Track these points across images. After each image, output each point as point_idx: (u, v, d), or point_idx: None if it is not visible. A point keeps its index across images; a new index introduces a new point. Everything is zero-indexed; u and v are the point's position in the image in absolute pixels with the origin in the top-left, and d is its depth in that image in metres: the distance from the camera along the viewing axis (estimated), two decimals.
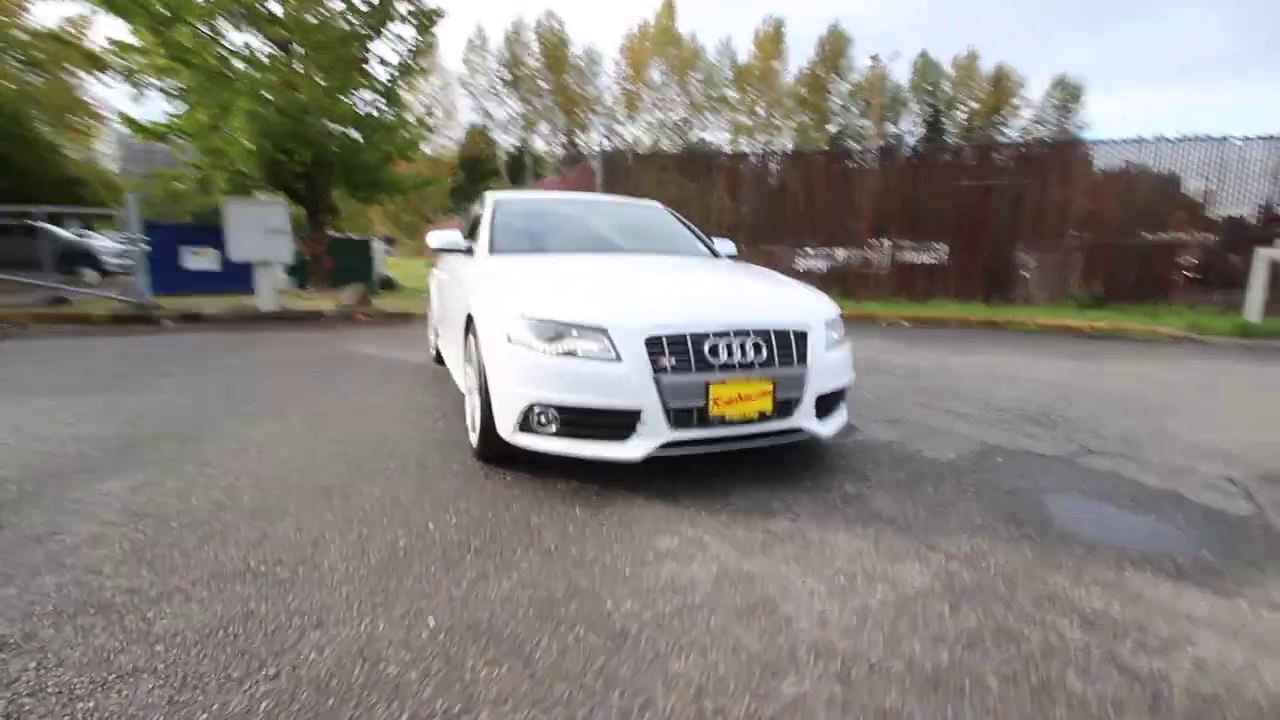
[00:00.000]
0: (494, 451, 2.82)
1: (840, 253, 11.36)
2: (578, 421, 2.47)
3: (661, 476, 2.70)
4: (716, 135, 46.83)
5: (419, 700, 1.39)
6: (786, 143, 46.22)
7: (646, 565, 2.00)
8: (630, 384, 2.41)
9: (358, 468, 2.87)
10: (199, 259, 11.71)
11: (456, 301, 3.54)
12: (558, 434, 2.50)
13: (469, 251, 3.73)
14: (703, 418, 2.49)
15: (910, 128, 48.55)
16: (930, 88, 47.82)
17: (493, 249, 3.57)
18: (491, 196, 4.20)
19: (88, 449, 3.09)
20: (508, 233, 3.72)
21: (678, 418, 2.46)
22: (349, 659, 1.53)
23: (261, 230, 8.81)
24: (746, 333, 2.58)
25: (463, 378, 3.35)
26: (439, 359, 5.41)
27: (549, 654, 1.56)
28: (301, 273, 12.22)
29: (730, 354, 2.53)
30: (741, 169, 11.56)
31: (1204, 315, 8.77)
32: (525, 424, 2.54)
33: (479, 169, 40.06)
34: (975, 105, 47.91)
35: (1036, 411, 4.02)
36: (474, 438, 3.02)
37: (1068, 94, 46.84)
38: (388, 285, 15.70)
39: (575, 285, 2.88)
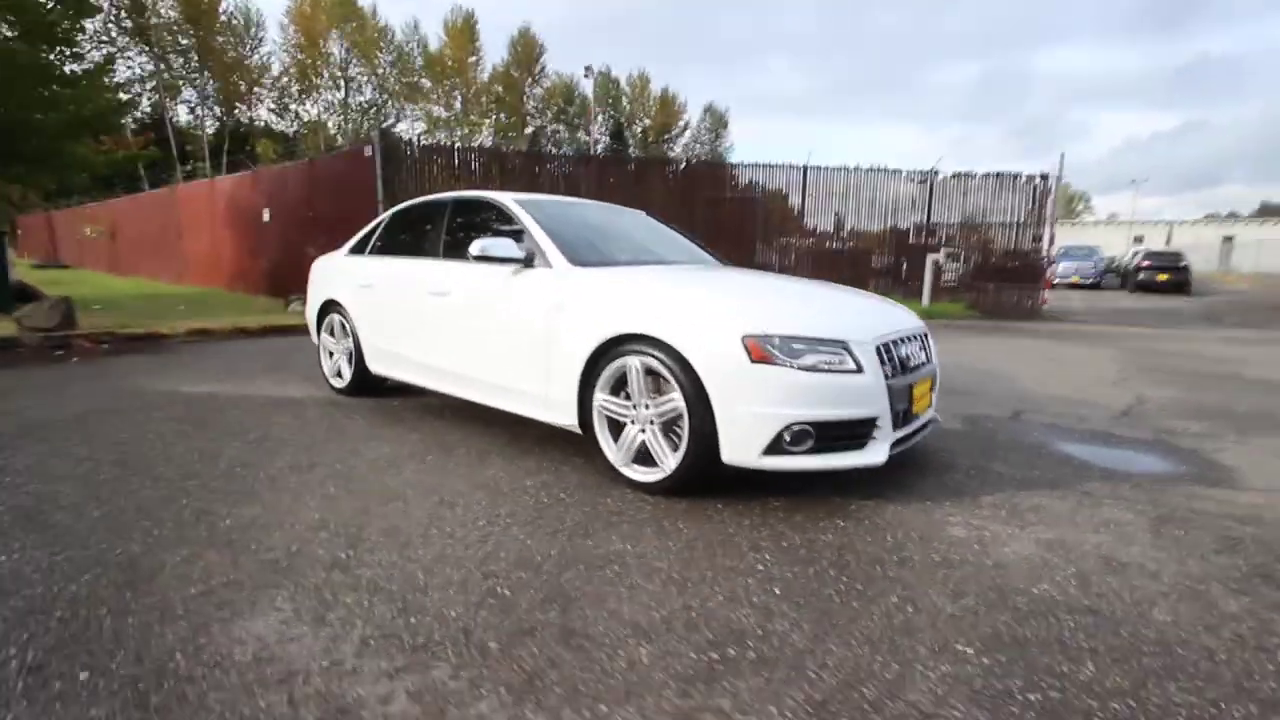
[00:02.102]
0: (697, 481, 2.66)
1: None
2: (828, 435, 2.53)
3: (835, 481, 2.89)
4: (411, 125, 44.14)
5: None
6: (486, 140, 45.96)
7: (983, 553, 2.24)
8: (872, 393, 2.57)
9: (550, 527, 2.40)
10: None
11: (540, 320, 3.08)
12: (811, 451, 2.51)
13: (526, 263, 3.25)
14: (907, 417, 2.78)
15: (598, 137, 52.64)
16: (612, 102, 52.52)
17: (574, 261, 3.19)
18: (508, 198, 3.67)
19: (86, 584, 1.93)
20: (575, 243, 3.35)
21: (894, 419, 2.70)
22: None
23: None
24: (912, 337, 2.95)
25: (585, 409, 2.95)
26: (356, 388, 4.45)
27: (1089, 641, 1.74)
28: None
29: (914, 357, 2.87)
30: (538, 170, 11.44)
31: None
32: (775, 445, 2.48)
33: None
34: (649, 122, 54.27)
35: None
36: (638, 473, 2.78)
37: (715, 120, 56.32)
38: (24, 296, 11.36)
39: (765, 299, 2.86)
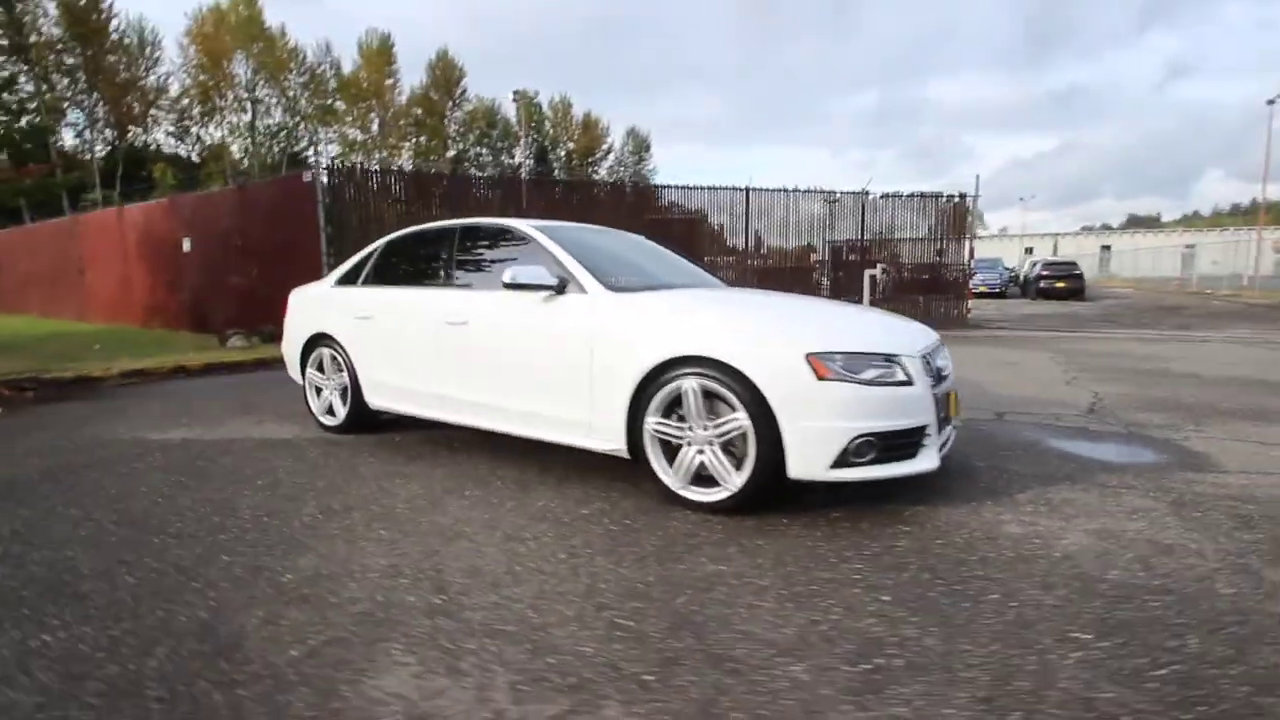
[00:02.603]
0: (759, 498, 2.72)
1: None
2: (887, 445, 2.64)
3: (873, 490, 3.02)
4: (326, 148, 42.51)
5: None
6: (406, 163, 44.84)
7: (1047, 547, 2.40)
8: (923, 403, 2.72)
9: (632, 555, 2.39)
10: None
11: (581, 346, 3.06)
12: (872, 461, 2.62)
13: (558, 290, 3.23)
14: (943, 424, 2.94)
15: (521, 160, 52.51)
16: (535, 126, 52.58)
17: (608, 286, 3.20)
18: (527, 224, 3.64)
19: (165, 657, 1.75)
20: (603, 269, 3.35)
21: (938, 426, 2.85)
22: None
23: None
24: (939, 349, 3.13)
25: (633, 434, 2.95)
26: (351, 425, 4.23)
27: (1180, 617, 1.90)
28: None
29: (945, 367, 3.05)
30: (484, 195, 11.29)
31: None
32: (842, 458, 2.57)
33: None
34: (572, 146, 54.67)
35: None
36: (698, 494, 2.81)
37: (638, 144, 57.43)
38: None
39: (812, 318, 2.97)
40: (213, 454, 3.89)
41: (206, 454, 3.89)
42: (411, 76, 46.31)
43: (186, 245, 12.22)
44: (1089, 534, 2.52)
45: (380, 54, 42.55)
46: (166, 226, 12.45)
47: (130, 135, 35.57)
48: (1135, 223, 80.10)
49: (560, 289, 3.25)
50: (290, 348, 4.67)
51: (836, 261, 13.81)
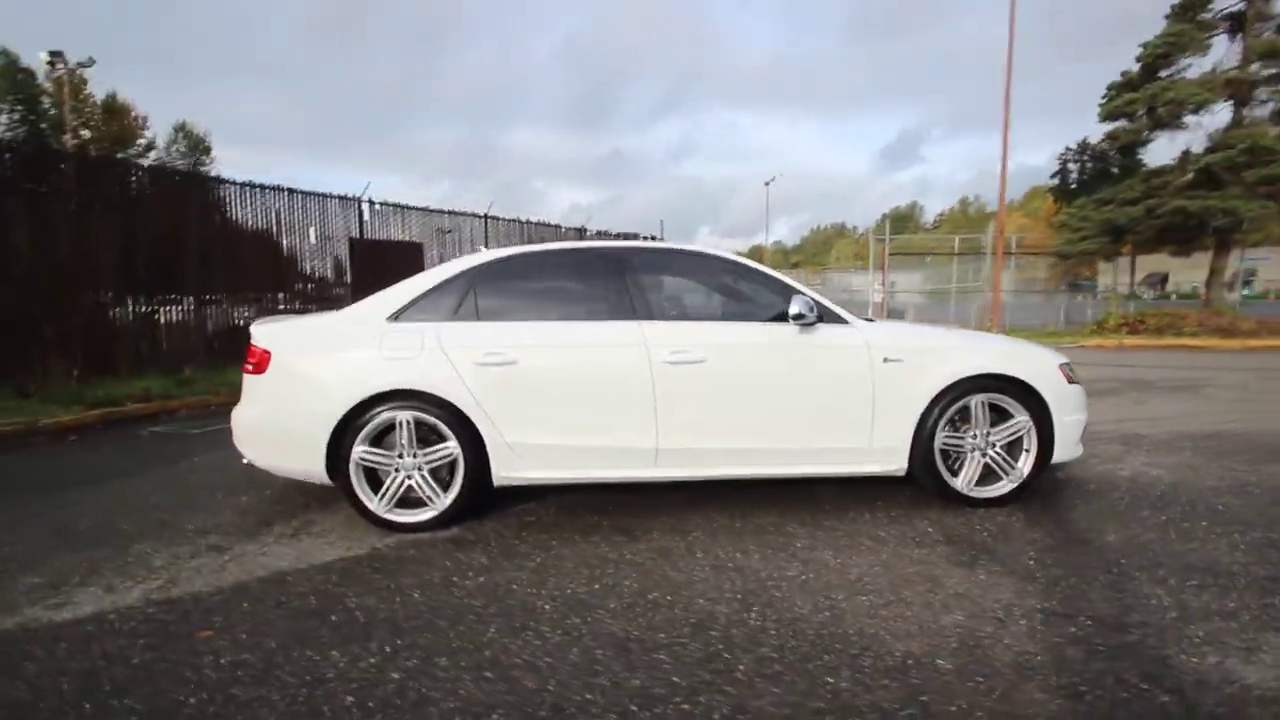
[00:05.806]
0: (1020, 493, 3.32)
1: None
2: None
3: None
4: None
5: None
6: None
7: (1163, 481, 3.69)
8: None
9: (1049, 574, 2.75)
10: None
11: (865, 374, 3.13)
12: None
13: (814, 323, 3.18)
14: None
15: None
16: (23, 97, 37.79)
17: (853, 316, 3.33)
18: (738, 257, 3.35)
19: None
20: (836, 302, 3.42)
21: None
22: None
23: None
24: None
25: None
26: (458, 514, 3.11)
27: (1266, 491, 3.34)
28: None
29: None
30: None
31: None
32: (1080, 441, 3.40)
33: None
34: (89, 133, 41.15)
35: None
36: (986, 491, 3.28)
37: (193, 142, 46.70)
38: None
39: (1013, 340, 3.70)
40: (295, 603, 2.36)
41: (283, 604, 2.34)
42: None
43: None
44: (1154, 466, 3.95)
45: None
46: None
47: None
48: None
49: (816, 322, 3.22)
50: (301, 420, 2.99)
51: None
